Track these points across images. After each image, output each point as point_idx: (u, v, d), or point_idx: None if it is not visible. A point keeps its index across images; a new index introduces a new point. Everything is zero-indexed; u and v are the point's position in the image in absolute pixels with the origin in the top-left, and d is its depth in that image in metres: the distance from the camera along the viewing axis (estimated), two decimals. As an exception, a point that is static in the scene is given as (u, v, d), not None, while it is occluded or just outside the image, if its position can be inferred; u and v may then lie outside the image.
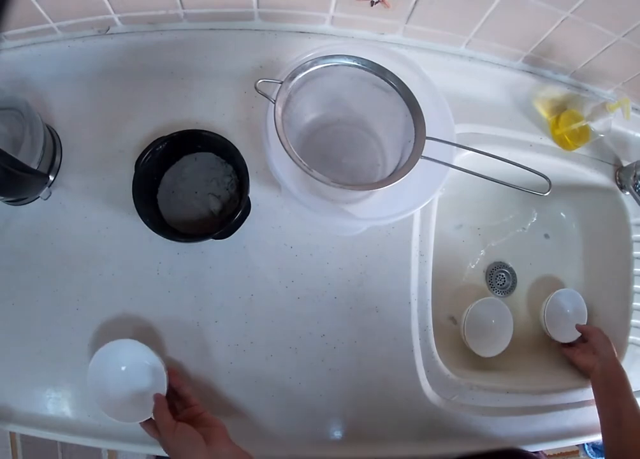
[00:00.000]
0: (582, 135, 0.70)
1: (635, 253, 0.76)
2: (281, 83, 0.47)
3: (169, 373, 0.55)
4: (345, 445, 0.61)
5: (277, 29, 0.64)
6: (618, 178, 0.76)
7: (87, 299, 0.59)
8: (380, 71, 0.49)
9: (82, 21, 0.60)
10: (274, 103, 0.46)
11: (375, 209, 0.55)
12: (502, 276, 0.85)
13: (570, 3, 0.57)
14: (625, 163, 0.77)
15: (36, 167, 0.55)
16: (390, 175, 0.48)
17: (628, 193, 0.75)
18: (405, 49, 0.67)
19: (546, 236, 0.87)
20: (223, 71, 0.65)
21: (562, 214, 0.87)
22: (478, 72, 0.70)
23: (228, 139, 0.57)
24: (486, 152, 0.50)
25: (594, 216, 0.82)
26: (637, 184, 0.73)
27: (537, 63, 0.71)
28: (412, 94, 0.49)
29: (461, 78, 0.70)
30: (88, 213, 0.61)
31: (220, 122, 0.64)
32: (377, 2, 0.58)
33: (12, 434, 1.32)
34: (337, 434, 0.61)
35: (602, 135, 0.68)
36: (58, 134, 0.62)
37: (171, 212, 0.59)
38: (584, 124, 0.69)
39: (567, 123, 0.72)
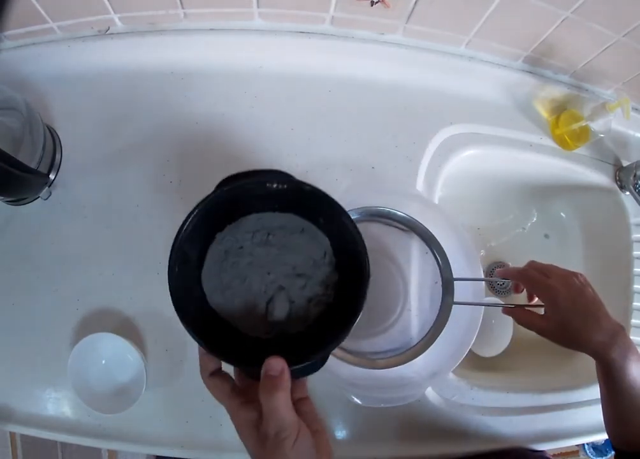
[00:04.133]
0: (582, 135, 0.70)
1: (635, 253, 0.76)
2: None
3: None
4: (345, 445, 0.60)
5: (277, 29, 0.64)
6: (617, 178, 0.76)
7: (87, 299, 0.59)
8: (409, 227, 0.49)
9: (82, 21, 0.60)
10: None
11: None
12: (502, 276, 0.85)
13: (570, 3, 0.57)
14: (625, 163, 0.77)
15: (35, 167, 0.55)
16: (419, 343, 0.48)
17: (628, 193, 0.75)
18: (405, 49, 0.67)
19: (546, 236, 0.87)
20: (223, 71, 0.65)
21: (562, 214, 0.87)
22: (478, 72, 0.70)
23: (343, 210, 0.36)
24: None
25: (594, 216, 0.82)
26: (637, 184, 0.73)
27: (537, 63, 0.71)
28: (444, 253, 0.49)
29: (461, 78, 0.70)
30: (88, 213, 0.61)
31: (220, 122, 0.64)
32: (377, 2, 0.58)
33: (12, 434, 1.32)
34: (337, 434, 0.61)
35: (602, 135, 0.68)
36: (58, 134, 0.62)
37: (216, 282, 0.39)
38: (584, 124, 0.69)
39: (567, 124, 0.72)
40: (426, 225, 0.50)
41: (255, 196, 0.38)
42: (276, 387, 0.32)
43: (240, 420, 0.33)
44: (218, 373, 0.36)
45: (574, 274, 0.50)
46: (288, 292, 0.38)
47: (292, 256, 0.39)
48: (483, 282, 0.50)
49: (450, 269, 0.49)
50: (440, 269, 0.49)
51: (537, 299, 0.53)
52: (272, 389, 0.32)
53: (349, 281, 0.37)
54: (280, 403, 0.32)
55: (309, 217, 0.39)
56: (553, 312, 0.48)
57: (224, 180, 0.37)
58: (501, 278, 0.53)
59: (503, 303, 0.78)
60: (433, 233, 0.50)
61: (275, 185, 0.36)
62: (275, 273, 0.38)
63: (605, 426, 0.52)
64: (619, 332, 0.48)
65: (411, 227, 0.50)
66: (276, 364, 0.33)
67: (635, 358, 0.48)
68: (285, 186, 0.36)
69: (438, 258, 0.50)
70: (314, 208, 0.38)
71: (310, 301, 0.38)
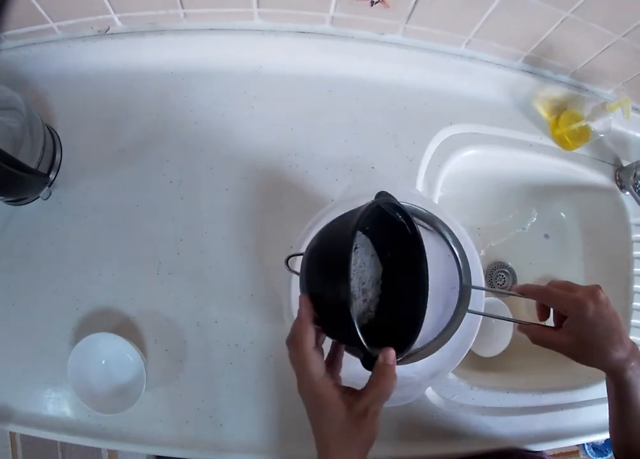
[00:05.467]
0: (582, 135, 0.70)
1: (635, 253, 0.76)
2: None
3: None
4: (345, 445, 0.60)
5: (277, 29, 0.64)
6: (618, 178, 0.76)
7: (87, 299, 0.59)
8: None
9: (82, 21, 0.60)
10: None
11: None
12: (502, 276, 0.85)
13: (570, 3, 0.57)
14: (625, 163, 0.77)
15: (35, 167, 0.55)
16: (433, 339, 0.47)
17: (628, 193, 0.75)
18: (405, 49, 0.67)
19: (546, 236, 0.87)
20: (223, 71, 0.65)
21: (562, 214, 0.87)
22: (478, 73, 0.70)
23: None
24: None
25: (594, 216, 0.82)
26: (637, 184, 0.73)
27: (537, 63, 0.71)
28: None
29: (462, 78, 0.70)
30: (88, 213, 0.61)
31: (220, 122, 0.64)
32: (377, 2, 0.58)
33: (12, 434, 1.32)
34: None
35: (602, 135, 0.68)
36: (58, 134, 0.62)
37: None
38: (584, 124, 0.69)
39: (567, 123, 0.72)
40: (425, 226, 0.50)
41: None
42: (394, 375, 0.36)
43: (335, 399, 0.37)
44: (316, 348, 0.38)
45: (599, 287, 0.49)
46: (357, 301, 0.43)
47: (365, 272, 0.44)
48: (484, 284, 0.49)
49: (470, 277, 0.48)
50: (460, 275, 0.48)
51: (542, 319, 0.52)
52: (391, 376, 0.36)
53: (392, 306, 0.43)
54: (393, 389, 0.37)
55: (378, 246, 0.45)
56: (578, 326, 0.47)
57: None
58: (518, 294, 0.51)
59: (506, 306, 0.78)
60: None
61: (400, 216, 0.41)
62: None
63: (611, 438, 0.52)
64: (636, 350, 0.48)
65: (436, 227, 0.49)
66: (392, 355, 0.37)
67: None
68: (403, 221, 0.41)
69: (460, 263, 0.48)
70: (394, 241, 0.42)
71: (364, 313, 0.44)
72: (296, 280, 0.46)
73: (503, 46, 0.67)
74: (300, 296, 0.38)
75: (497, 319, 0.77)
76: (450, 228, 0.50)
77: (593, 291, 0.48)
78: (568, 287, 0.49)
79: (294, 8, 0.61)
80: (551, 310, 0.51)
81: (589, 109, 0.69)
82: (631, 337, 0.72)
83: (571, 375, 0.72)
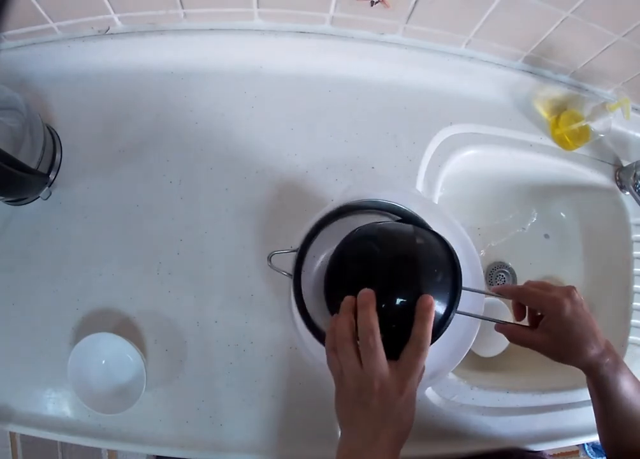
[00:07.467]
0: (582, 135, 0.70)
1: (635, 253, 0.76)
2: (296, 251, 0.45)
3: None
4: (345, 445, 0.60)
5: (277, 29, 0.64)
6: (618, 178, 0.76)
7: (87, 299, 0.59)
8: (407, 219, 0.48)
9: (82, 21, 0.60)
10: (291, 277, 0.45)
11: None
12: (502, 276, 0.85)
13: (570, 3, 0.57)
14: (625, 163, 0.77)
15: (35, 167, 0.55)
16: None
17: (628, 193, 0.75)
18: (405, 49, 0.67)
19: (546, 236, 0.87)
20: (223, 71, 0.65)
21: (562, 214, 0.87)
22: (478, 73, 0.70)
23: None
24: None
25: (594, 216, 0.82)
26: (637, 184, 0.73)
27: (537, 63, 0.71)
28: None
29: (462, 78, 0.70)
30: (88, 213, 0.61)
31: (220, 122, 0.64)
32: (377, 2, 0.58)
33: (12, 434, 1.32)
34: (338, 434, 0.61)
35: (602, 135, 0.68)
36: (58, 134, 0.62)
37: None
38: (584, 124, 0.69)
39: (567, 123, 0.72)
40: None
41: None
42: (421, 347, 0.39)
43: (414, 386, 0.39)
44: None
45: (574, 288, 0.50)
46: None
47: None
48: (484, 284, 0.49)
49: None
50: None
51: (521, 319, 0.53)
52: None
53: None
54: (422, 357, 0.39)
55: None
56: (554, 324, 0.48)
57: None
58: (497, 294, 0.52)
59: (506, 306, 0.78)
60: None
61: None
62: None
63: (599, 437, 0.53)
64: (610, 347, 0.49)
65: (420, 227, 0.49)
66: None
67: (625, 371, 0.49)
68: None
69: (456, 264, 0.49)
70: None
71: None
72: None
73: (503, 46, 0.67)
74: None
75: (497, 319, 0.77)
76: (450, 228, 0.50)
77: (568, 291, 0.49)
78: (544, 286, 0.51)
79: (294, 8, 0.61)
80: (527, 309, 0.53)
81: (589, 109, 0.69)
82: (631, 337, 0.73)
83: (571, 375, 0.72)
